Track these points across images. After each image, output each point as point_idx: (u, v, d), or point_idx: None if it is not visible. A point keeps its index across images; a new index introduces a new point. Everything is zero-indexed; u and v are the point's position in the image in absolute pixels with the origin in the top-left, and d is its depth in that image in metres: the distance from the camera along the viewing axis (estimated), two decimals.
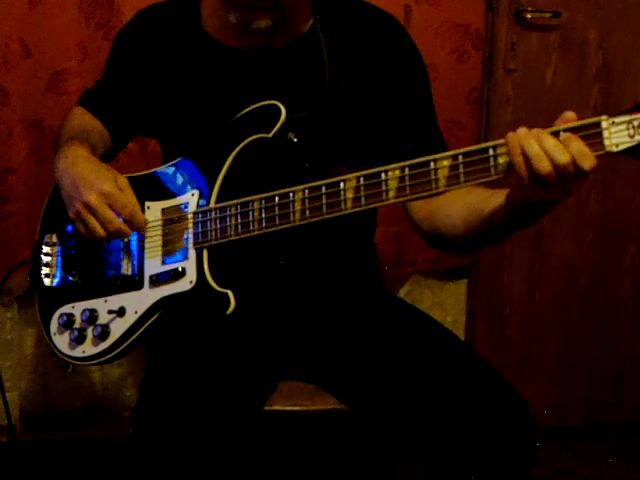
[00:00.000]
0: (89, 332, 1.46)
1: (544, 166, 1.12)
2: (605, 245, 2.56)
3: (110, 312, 1.45)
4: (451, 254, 2.39)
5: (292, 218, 1.33)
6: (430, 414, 1.35)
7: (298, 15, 1.48)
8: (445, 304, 2.56)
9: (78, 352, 1.48)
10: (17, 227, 2.17)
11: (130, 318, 1.44)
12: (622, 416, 2.66)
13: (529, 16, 2.38)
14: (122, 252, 1.47)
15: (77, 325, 1.48)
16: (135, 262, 1.47)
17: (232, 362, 1.41)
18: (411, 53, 1.53)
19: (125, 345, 1.44)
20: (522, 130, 1.15)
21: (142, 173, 1.52)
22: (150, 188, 1.48)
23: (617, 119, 1.11)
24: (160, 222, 1.46)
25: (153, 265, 1.45)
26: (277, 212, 1.34)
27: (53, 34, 2.10)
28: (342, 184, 1.29)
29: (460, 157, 1.19)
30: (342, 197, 1.29)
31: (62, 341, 1.49)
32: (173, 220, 1.45)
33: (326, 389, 1.54)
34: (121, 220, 1.40)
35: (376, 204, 1.27)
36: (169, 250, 1.44)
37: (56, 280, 1.54)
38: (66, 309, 1.50)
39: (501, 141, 1.17)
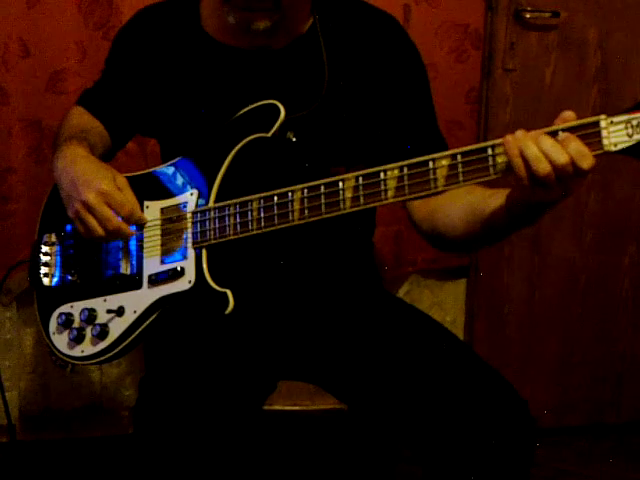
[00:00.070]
0: (88, 332, 1.46)
1: (543, 167, 1.12)
2: (605, 245, 2.56)
3: (109, 311, 1.45)
4: (450, 254, 2.40)
5: (291, 218, 1.33)
6: (430, 414, 1.35)
7: (298, 15, 1.48)
8: (444, 304, 2.56)
9: (77, 352, 1.48)
10: (16, 227, 2.17)
11: (129, 318, 1.44)
12: (622, 416, 2.66)
13: (528, 16, 2.38)
14: (121, 252, 1.47)
15: (76, 325, 1.48)
16: (134, 262, 1.47)
17: (231, 362, 1.41)
18: (410, 53, 1.53)
19: (124, 345, 1.44)
20: (520, 132, 1.15)
21: (141, 172, 1.52)
22: (149, 187, 1.48)
23: (616, 118, 1.10)
24: (159, 221, 1.46)
25: (152, 265, 1.45)
26: (276, 212, 1.34)
27: (52, 34, 2.10)
28: (341, 184, 1.29)
29: (459, 157, 1.19)
30: (341, 197, 1.29)
31: (61, 341, 1.49)
32: (172, 219, 1.45)
33: (326, 389, 1.54)
34: (120, 219, 1.40)
35: (375, 204, 1.27)
36: (168, 250, 1.44)
37: (55, 279, 1.54)
38: (65, 308, 1.50)
39: (500, 141, 1.17)
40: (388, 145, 1.49)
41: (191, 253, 1.41)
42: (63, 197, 1.46)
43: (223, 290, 1.37)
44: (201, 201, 1.43)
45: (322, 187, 1.30)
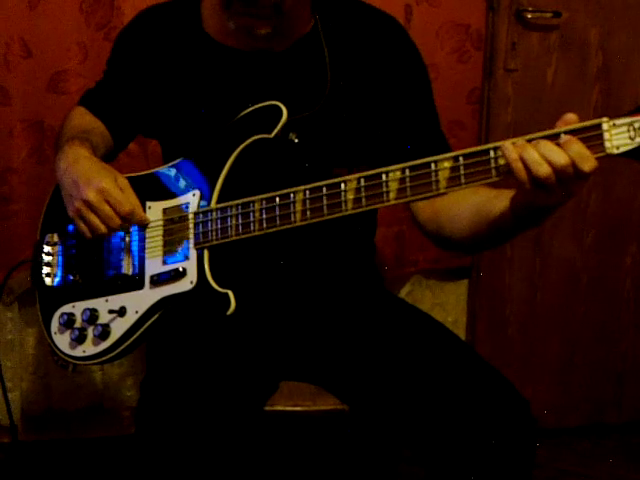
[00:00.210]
0: (90, 332, 1.47)
1: (543, 170, 1.12)
2: (606, 245, 2.56)
3: (111, 312, 1.45)
4: (452, 254, 2.39)
5: (293, 219, 1.33)
6: (431, 414, 1.35)
7: (298, 18, 1.48)
8: (446, 304, 2.56)
9: (79, 352, 1.48)
10: (18, 227, 2.18)
11: (131, 318, 1.44)
12: (623, 416, 2.66)
13: (530, 16, 2.38)
14: (123, 252, 1.48)
15: (78, 325, 1.48)
16: (136, 262, 1.47)
17: (233, 362, 1.41)
18: (412, 54, 1.53)
19: (126, 345, 1.44)
20: (518, 138, 1.16)
21: (143, 173, 1.52)
22: (151, 188, 1.48)
23: (618, 121, 1.10)
24: (161, 222, 1.46)
25: (154, 265, 1.45)
26: (278, 213, 1.34)
27: (54, 34, 2.10)
28: (343, 185, 1.29)
29: (461, 159, 1.19)
30: (343, 198, 1.29)
31: (63, 341, 1.50)
32: (174, 220, 1.45)
33: (327, 389, 1.54)
34: (120, 218, 1.41)
35: (377, 205, 1.27)
36: (170, 250, 1.44)
37: (57, 279, 1.54)
38: (67, 308, 1.50)
39: (501, 143, 1.17)
40: (391, 146, 1.49)
41: (193, 254, 1.42)
42: (65, 197, 1.46)
43: (225, 291, 1.37)
44: (203, 202, 1.43)
45: (324, 188, 1.30)
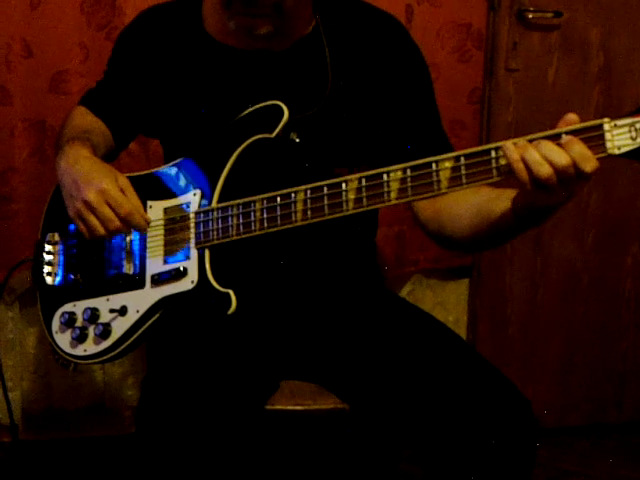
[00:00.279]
0: (91, 331, 1.47)
1: (544, 170, 1.12)
2: (607, 245, 2.56)
3: (112, 311, 1.46)
4: (452, 253, 2.40)
5: (294, 218, 1.33)
6: (432, 413, 1.35)
7: (300, 18, 1.48)
8: (447, 304, 2.56)
9: (79, 351, 1.48)
10: (19, 227, 2.18)
11: (132, 317, 1.44)
12: (624, 416, 2.66)
13: (531, 16, 2.38)
14: (124, 251, 1.48)
15: (79, 324, 1.48)
16: (137, 261, 1.47)
17: (234, 362, 1.41)
18: (413, 54, 1.53)
19: (126, 344, 1.44)
20: (519, 139, 1.15)
21: (144, 172, 1.52)
22: (152, 187, 1.48)
23: (619, 122, 1.10)
24: (162, 221, 1.46)
25: (155, 264, 1.45)
26: (279, 212, 1.34)
27: (55, 34, 2.10)
28: (344, 185, 1.29)
29: (462, 159, 1.19)
30: (344, 198, 1.29)
31: (64, 340, 1.50)
32: (175, 220, 1.45)
33: (328, 388, 1.54)
34: (120, 219, 1.41)
35: (378, 205, 1.27)
36: (171, 250, 1.44)
37: (58, 279, 1.54)
38: (68, 308, 1.50)
39: (502, 143, 1.17)
40: (392, 146, 1.49)
41: (194, 253, 1.42)
42: (65, 197, 1.46)
43: (226, 290, 1.37)
44: (204, 201, 1.43)
45: (325, 188, 1.31)
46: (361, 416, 1.56)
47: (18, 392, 2.33)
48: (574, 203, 2.41)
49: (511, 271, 2.54)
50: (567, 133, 1.13)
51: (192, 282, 1.40)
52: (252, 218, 1.37)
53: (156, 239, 1.46)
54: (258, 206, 1.36)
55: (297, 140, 1.48)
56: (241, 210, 1.38)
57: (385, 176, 1.26)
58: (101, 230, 1.40)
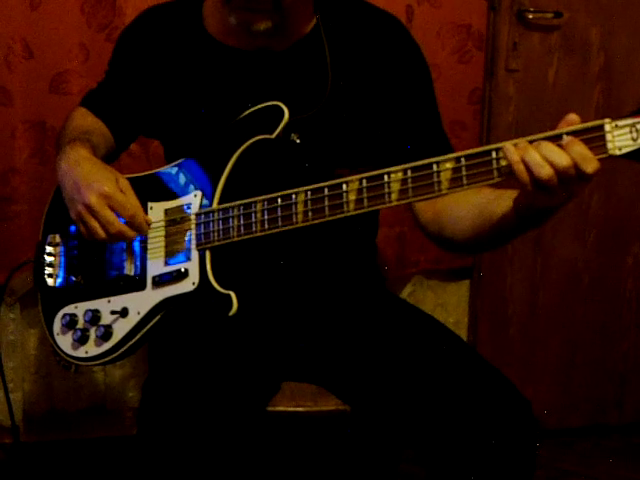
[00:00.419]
0: (92, 332, 1.47)
1: (545, 172, 1.12)
2: (608, 245, 2.57)
3: (113, 313, 1.46)
4: (453, 254, 2.39)
5: (294, 220, 1.33)
6: (433, 414, 1.35)
7: (299, 16, 1.48)
8: (448, 305, 2.56)
9: (81, 352, 1.48)
10: (20, 228, 2.18)
11: (133, 319, 1.44)
12: (624, 417, 2.66)
13: (531, 16, 2.38)
14: (125, 253, 1.48)
15: (80, 325, 1.48)
16: (138, 263, 1.47)
17: (235, 363, 1.41)
18: (414, 54, 1.53)
19: (128, 346, 1.44)
20: (520, 140, 1.15)
21: (145, 173, 1.52)
22: (153, 189, 1.48)
23: (620, 122, 1.10)
24: (163, 223, 1.46)
25: (156, 266, 1.45)
26: (280, 214, 1.34)
27: (55, 35, 2.11)
28: (345, 186, 1.29)
29: (463, 160, 1.19)
30: (344, 199, 1.29)
31: (65, 341, 1.50)
32: (176, 221, 1.45)
33: (329, 390, 1.54)
34: (122, 222, 1.41)
35: (378, 206, 1.27)
36: (172, 251, 1.44)
37: (59, 280, 1.54)
38: (69, 309, 1.50)
39: (503, 144, 1.17)
40: (393, 147, 1.49)
41: (195, 255, 1.42)
42: (66, 199, 1.46)
43: (227, 292, 1.37)
44: (205, 202, 1.43)
45: (326, 189, 1.30)
46: (362, 417, 1.56)
47: (19, 393, 2.33)
48: (575, 204, 2.43)
49: (512, 272, 2.54)
50: (568, 134, 1.13)
51: (193, 284, 1.40)
52: (253, 219, 1.37)
53: (157, 240, 1.46)
54: (259, 207, 1.36)
55: (298, 141, 1.47)
56: (242, 211, 1.38)
57: (386, 177, 1.26)
58: (102, 233, 1.40)
